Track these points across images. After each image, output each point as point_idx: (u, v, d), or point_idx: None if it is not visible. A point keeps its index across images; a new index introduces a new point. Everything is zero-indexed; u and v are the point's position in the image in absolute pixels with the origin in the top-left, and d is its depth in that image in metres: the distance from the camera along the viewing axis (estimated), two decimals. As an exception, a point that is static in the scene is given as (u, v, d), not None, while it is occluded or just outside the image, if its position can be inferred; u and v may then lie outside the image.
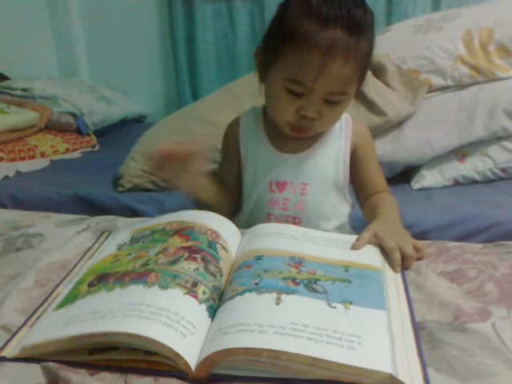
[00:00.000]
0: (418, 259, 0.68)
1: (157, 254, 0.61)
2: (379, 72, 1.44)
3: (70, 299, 0.57)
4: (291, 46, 0.71)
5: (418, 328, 0.52)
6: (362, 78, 0.78)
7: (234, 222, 0.74)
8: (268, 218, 0.86)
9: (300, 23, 0.70)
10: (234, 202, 0.92)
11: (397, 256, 0.64)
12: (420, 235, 1.08)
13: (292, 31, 0.71)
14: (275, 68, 0.75)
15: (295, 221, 0.84)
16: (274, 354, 0.45)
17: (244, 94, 1.40)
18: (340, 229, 0.89)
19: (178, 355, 0.46)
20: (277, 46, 0.73)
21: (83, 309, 0.53)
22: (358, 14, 0.70)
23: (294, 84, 0.72)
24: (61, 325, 0.52)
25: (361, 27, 0.70)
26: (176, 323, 0.49)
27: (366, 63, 0.76)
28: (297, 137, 0.81)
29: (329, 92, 0.73)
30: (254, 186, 0.88)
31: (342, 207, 0.89)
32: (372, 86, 1.38)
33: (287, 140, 0.84)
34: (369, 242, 0.68)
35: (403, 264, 0.65)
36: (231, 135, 0.91)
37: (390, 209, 0.80)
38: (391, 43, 1.57)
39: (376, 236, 0.68)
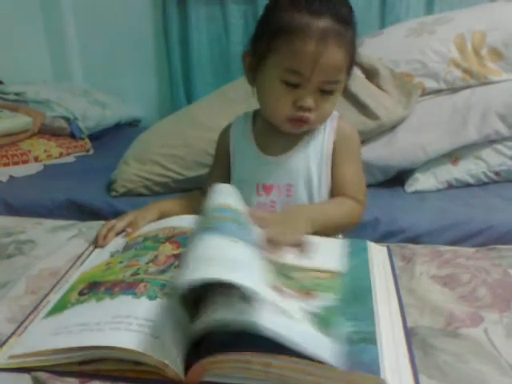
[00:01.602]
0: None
1: (147, 263, 0.61)
2: (372, 75, 1.44)
3: (60, 307, 0.56)
4: (285, 39, 0.73)
5: (409, 334, 0.52)
6: (350, 70, 0.79)
7: None
8: None
9: (292, 16, 0.73)
10: None
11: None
12: (413, 239, 1.09)
13: (284, 25, 0.73)
14: (269, 63, 0.76)
15: None
16: (266, 362, 0.45)
17: (238, 97, 1.39)
18: None
19: (166, 365, 0.45)
20: (268, 42, 0.75)
21: (72, 319, 0.53)
22: (344, 9, 0.75)
23: (291, 74, 0.74)
24: (49, 335, 0.51)
25: (347, 19, 0.74)
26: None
27: (353, 54, 0.78)
28: (294, 131, 0.81)
29: (324, 81, 0.75)
30: (241, 190, 0.87)
31: None
32: (365, 89, 1.38)
33: (273, 142, 0.85)
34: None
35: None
36: (222, 141, 0.93)
37: (316, 208, 0.81)
38: (384, 47, 1.57)
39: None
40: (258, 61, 0.79)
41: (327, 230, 0.76)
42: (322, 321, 0.49)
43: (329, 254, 0.66)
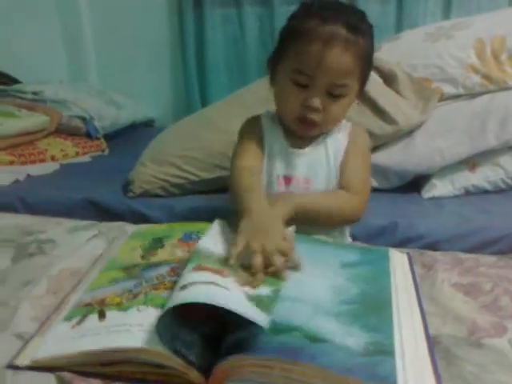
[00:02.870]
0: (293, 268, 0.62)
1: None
2: (390, 80, 1.43)
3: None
4: (295, 42, 0.78)
5: (432, 343, 0.52)
6: (363, 78, 0.82)
7: None
8: None
9: (302, 22, 0.78)
10: None
11: (255, 260, 0.59)
12: (431, 245, 1.07)
13: (295, 29, 0.79)
14: (282, 65, 0.82)
15: None
16: (288, 367, 0.45)
17: (254, 100, 1.39)
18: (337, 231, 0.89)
19: (189, 368, 0.45)
20: (282, 46, 0.81)
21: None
22: (355, 18, 0.78)
23: (298, 74, 0.78)
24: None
25: (357, 28, 0.77)
26: None
27: (366, 62, 0.80)
28: (305, 134, 0.85)
29: (330, 83, 0.77)
30: (267, 179, 0.88)
31: None
32: (383, 94, 1.38)
33: (299, 138, 0.86)
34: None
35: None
36: (254, 129, 0.90)
37: (296, 198, 0.78)
38: (402, 51, 1.55)
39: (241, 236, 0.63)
40: (275, 63, 0.84)
41: (318, 218, 0.76)
42: (260, 303, 0.51)
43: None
